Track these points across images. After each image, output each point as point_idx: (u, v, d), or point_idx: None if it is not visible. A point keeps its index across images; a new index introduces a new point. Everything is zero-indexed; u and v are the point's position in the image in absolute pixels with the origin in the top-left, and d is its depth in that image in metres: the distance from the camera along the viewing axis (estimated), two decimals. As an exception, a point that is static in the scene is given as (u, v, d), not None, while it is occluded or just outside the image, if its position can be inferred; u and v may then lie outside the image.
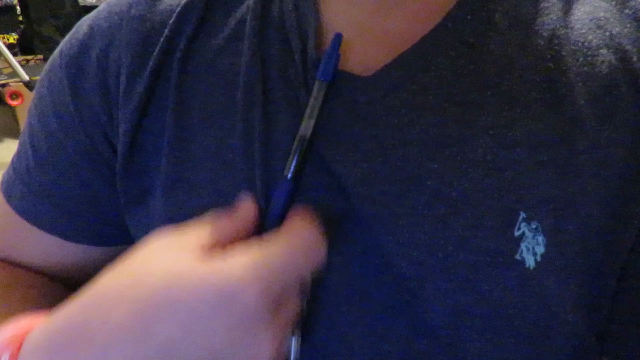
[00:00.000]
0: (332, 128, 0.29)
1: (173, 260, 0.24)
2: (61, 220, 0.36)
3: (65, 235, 0.37)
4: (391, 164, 0.28)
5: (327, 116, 0.29)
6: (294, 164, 0.28)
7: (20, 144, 0.37)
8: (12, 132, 2.33)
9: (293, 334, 0.28)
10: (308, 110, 0.28)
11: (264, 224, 0.28)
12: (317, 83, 0.28)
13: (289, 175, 0.28)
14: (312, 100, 0.28)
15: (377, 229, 0.28)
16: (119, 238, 0.38)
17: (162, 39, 0.32)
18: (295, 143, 0.28)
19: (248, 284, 0.22)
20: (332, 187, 0.29)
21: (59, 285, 0.39)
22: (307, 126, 0.28)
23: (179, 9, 0.33)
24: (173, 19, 0.33)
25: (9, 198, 0.37)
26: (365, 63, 0.30)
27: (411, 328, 0.28)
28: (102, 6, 0.36)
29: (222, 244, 0.26)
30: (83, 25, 0.36)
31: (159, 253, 0.25)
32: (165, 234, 0.26)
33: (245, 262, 0.23)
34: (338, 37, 0.29)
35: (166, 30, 0.32)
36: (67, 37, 0.36)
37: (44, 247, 0.38)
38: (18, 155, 0.37)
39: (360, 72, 0.30)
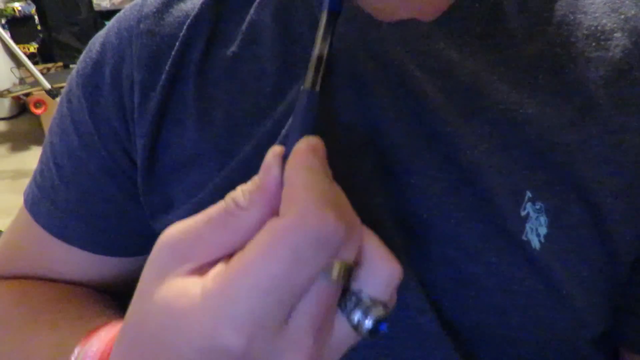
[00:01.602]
0: (342, 69, 0.28)
1: (166, 294, 0.20)
2: (90, 236, 0.36)
3: (96, 250, 0.37)
4: (405, 118, 0.28)
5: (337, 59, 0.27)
6: (312, 75, 0.23)
7: (43, 163, 0.37)
8: (38, 139, 2.39)
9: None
10: (319, 36, 0.24)
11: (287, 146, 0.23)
12: (324, 14, 0.24)
13: (309, 87, 0.23)
14: (321, 27, 0.24)
15: (389, 184, 0.27)
16: (150, 247, 0.38)
17: (173, 53, 0.32)
18: (314, 61, 0.24)
19: (227, 329, 0.18)
20: (338, 138, 0.27)
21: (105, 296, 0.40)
22: (322, 49, 0.24)
23: (188, 21, 0.33)
24: (183, 32, 0.32)
25: (36, 216, 0.37)
26: (384, 13, 0.29)
27: (413, 305, 0.27)
28: (112, 22, 0.36)
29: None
30: (95, 43, 0.36)
31: (155, 282, 0.21)
32: (164, 249, 0.22)
33: (222, 295, 0.18)
34: None
35: (177, 44, 0.32)
36: (82, 56, 0.37)
37: (77, 263, 0.38)
38: (41, 174, 0.37)
39: (375, 15, 0.29)
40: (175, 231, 0.22)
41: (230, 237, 0.20)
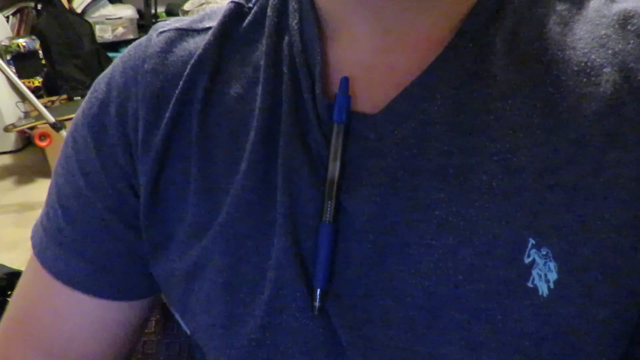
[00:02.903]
0: (346, 168, 0.29)
1: None
2: (96, 277, 0.35)
3: (101, 293, 0.36)
4: (401, 195, 0.28)
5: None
6: (329, 208, 0.28)
7: (49, 206, 0.37)
8: (43, 172, 2.40)
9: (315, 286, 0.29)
10: (332, 153, 0.29)
11: (314, 272, 0.29)
12: (335, 126, 0.29)
13: (328, 219, 0.28)
14: (333, 143, 0.29)
15: (390, 259, 0.28)
16: (155, 289, 0.37)
17: (177, 91, 0.33)
18: (327, 187, 0.29)
19: None
20: (342, 225, 0.29)
21: None
22: (333, 169, 0.29)
23: (192, 60, 0.33)
24: (187, 71, 0.33)
25: (42, 260, 0.36)
26: (374, 101, 0.30)
27: None
28: (116, 62, 0.37)
29: None
30: (101, 83, 0.36)
31: None
32: None
33: None
34: (345, 80, 0.30)
35: (181, 82, 0.33)
36: (87, 97, 0.37)
37: (82, 312, 0.37)
38: (47, 217, 0.37)
39: (369, 110, 0.30)
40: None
41: None
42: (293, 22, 0.32)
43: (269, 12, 0.33)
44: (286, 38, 0.33)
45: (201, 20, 0.36)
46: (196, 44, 0.34)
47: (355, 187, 0.29)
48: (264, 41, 0.33)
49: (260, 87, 0.32)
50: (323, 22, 0.32)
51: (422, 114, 0.29)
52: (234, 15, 0.34)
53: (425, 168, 0.28)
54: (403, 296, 0.28)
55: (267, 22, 0.33)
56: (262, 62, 0.32)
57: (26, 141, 2.84)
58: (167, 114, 0.32)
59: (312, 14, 0.32)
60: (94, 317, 0.37)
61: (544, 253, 0.27)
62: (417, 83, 0.29)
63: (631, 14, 0.29)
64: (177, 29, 0.35)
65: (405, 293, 0.28)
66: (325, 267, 0.28)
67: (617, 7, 0.30)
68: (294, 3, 0.33)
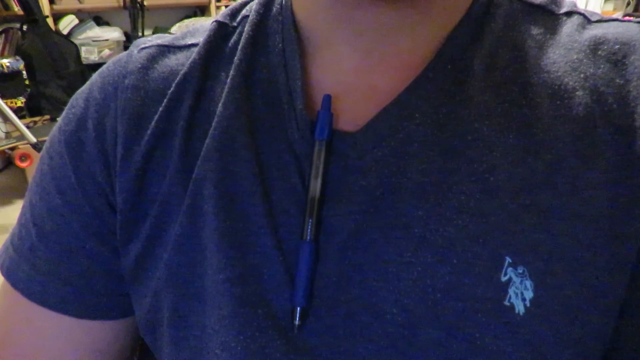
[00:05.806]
0: (326, 185, 0.29)
1: None
2: (72, 298, 0.34)
3: (78, 313, 0.35)
4: (381, 213, 0.28)
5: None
6: (310, 226, 0.28)
7: (21, 225, 0.36)
8: (23, 193, 2.35)
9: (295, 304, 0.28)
10: (313, 171, 0.29)
11: (293, 289, 0.28)
12: (317, 144, 0.29)
13: (309, 238, 0.28)
14: (314, 160, 0.29)
15: (370, 276, 0.28)
16: (132, 308, 0.36)
17: (160, 109, 0.32)
18: (308, 205, 0.29)
19: None
20: (322, 242, 0.29)
21: None
22: (315, 186, 0.29)
23: (177, 79, 0.33)
24: (172, 89, 0.33)
25: (14, 282, 0.35)
26: (355, 120, 0.30)
27: None
28: (94, 78, 0.36)
29: None
30: (78, 99, 0.36)
31: None
32: None
33: None
34: (328, 98, 0.30)
35: (165, 100, 0.33)
36: (64, 113, 0.36)
37: (61, 333, 0.35)
38: (19, 236, 0.36)
39: (350, 129, 0.30)
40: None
41: None
42: (274, 42, 0.33)
43: (247, 27, 0.34)
44: (262, 59, 0.33)
45: (183, 37, 0.36)
46: (178, 61, 0.34)
47: (335, 205, 0.29)
48: (237, 54, 0.33)
49: (228, 97, 0.32)
50: (305, 40, 0.33)
51: (401, 133, 0.29)
52: (219, 35, 0.35)
53: (405, 186, 0.28)
54: (383, 313, 0.28)
55: (243, 37, 0.33)
56: (231, 72, 0.32)
57: (6, 162, 2.80)
58: (149, 131, 0.32)
59: (294, 32, 0.32)
60: (76, 337, 0.35)
61: (520, 271, 0.27)
62: (396, 102, 0.30)
63: (601, 40, 0.30)
64: (159, 45, 0.35)
65: (384, 310, 0.28)
66: (305, 286, 0.28)
67: (587, 34, 0.31)
68: (275, 23, 0.33)
